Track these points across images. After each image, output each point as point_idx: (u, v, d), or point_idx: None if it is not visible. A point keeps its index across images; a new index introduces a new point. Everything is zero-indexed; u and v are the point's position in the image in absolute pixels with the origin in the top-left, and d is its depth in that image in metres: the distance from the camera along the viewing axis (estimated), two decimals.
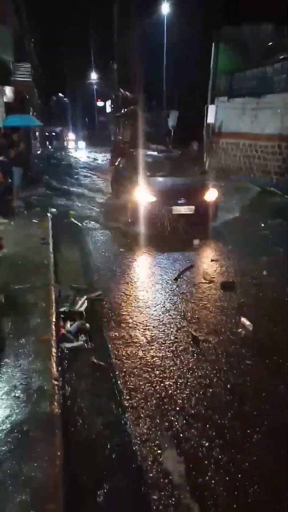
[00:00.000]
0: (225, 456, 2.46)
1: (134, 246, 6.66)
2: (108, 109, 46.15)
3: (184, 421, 2.73)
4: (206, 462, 2.42)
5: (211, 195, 7.40)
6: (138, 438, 2.57)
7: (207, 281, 5.13)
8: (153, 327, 3.99)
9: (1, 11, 9.65)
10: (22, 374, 2.92)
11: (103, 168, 17.70)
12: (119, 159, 10.74)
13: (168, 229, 6.99)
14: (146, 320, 4.13)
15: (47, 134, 37.48)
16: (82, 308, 4.16)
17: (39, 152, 26.04)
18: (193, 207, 7.04)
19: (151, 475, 2.32)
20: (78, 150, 33.11)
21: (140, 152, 9.62)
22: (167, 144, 22.73)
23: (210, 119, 18.29)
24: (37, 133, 23.58)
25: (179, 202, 7.00)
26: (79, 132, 42.97)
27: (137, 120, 19.25)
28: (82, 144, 36.54)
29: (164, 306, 4.45)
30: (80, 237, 7.29)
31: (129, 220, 7.63)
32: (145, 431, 2.64)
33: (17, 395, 2.71)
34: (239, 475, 2.33)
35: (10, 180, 8.92)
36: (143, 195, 7.15)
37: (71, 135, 39.36)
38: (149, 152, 10.24)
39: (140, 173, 7.84)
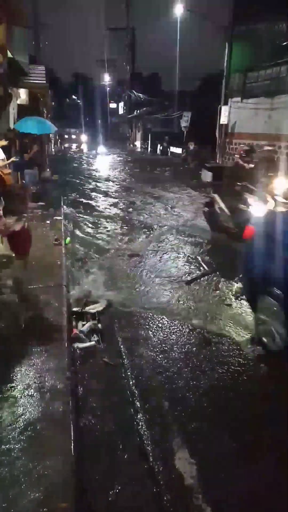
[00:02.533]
0: (238, 459, 2.44)
1: None
2: (121, 111, 46.39)
3: (197, 423, 2.72)
4: (218, 465, 2.40)
5: None
6: (150, 439, 2.57)
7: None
8: (166, 328, 3.98)
9: (15, 14, 9.75)
10: (36, 373, 2.95)
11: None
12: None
13: None
14: (159, 321, 4.12)
15: (66, 136, 37.37)
16: (94, 310, 4.16)
17: (53, 153, 26.20)
18: None
19: (163, 476, 2.31)
20: (98, 156, 28.04)
21: None
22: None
23: (223, 119, 18.20)
24: (50, 135, 23.77)
25: None
26: (97, 135, 40.88)
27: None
28: (101, 149, 31.51)
29: (177, 308, 4.44)
30: None
31: None
32: (157, 431, 2.63)
33: (30, 393, 2.73)
34: (251, 477, 2.31)
35: (23, 181, 9.04)
36: None
37: (84, 137, 39.25)
38: None
39: None
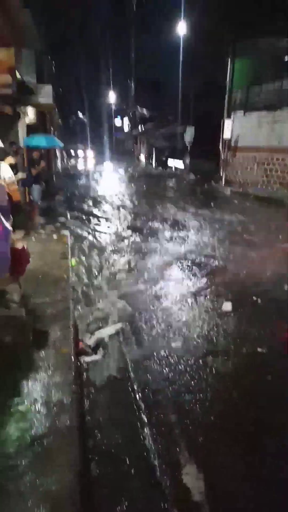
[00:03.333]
0: (246, 473, 2.41)
1: None
2: (126, 127, 47.12)
3: (204, 437, 2.70)
4: (226, 479, 2.38)
5: None
6: (157, 453, 2.55)
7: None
8: (172, 341, 3.98)
9: (24, 36, 10.12)
10: (42, 387, 2.96)
11: None
12: None
13: None
14: (165, 334, 4.12)
15: (72, 153, 37.96)
16: (106, 334, 4.08)
17: (59, 169, 26.54)
18: None
19: (170, 491, 2.29)
20: (104, 171, 27.83)
21: None
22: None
23: (227, 133, 18.39)
24: (57, 152, 24.19)
25: None
26: (103, 151, 41.45)
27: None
28: (107, 164, 31.41)
29: (184, 321, 4.44)
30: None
31: None
32: (164, 446, 2.62)
33: (37, 408, 2.74)
34: (261, 491, 2.27)
35: (31, 197, 9.18)
36: None
37: (90, 154, 39.75)
38: None
39: None
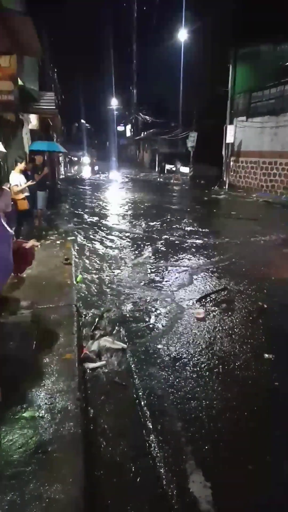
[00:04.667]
0: (254, 480, 2.35)
1: None
2: (128, 133, 47.42)
3: (211, 445, 2.64)
4: (235, 487, 2.32)
5: None
6: (163, 461, 2.50)
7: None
8: (177, 347, 3.93)
9: (26, 44, 10.21)
10: (46, 394, 2.92)
11: None
12: None
13: None
14: (170, 340, 4.08)
15: (76, 159, 38.24)
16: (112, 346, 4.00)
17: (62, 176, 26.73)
18: None
19: (176, 500, 2.23)
20: (107, 177, 27.84)
21: None
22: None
23: (229, 138, 18.45)
24: (60, 159, 24.36)
25: None
26: (106, 157, 41.47)
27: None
28: (110, 170, 31.32)
29: (188, 327, 4.39)
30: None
31: None
32: (170, 454, 2.56)
33: (41, 415, 2.70)
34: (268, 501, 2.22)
35: (35, 204, 9.20)
36: None
37: (93, 160, 39.92)
38: None
39: None
